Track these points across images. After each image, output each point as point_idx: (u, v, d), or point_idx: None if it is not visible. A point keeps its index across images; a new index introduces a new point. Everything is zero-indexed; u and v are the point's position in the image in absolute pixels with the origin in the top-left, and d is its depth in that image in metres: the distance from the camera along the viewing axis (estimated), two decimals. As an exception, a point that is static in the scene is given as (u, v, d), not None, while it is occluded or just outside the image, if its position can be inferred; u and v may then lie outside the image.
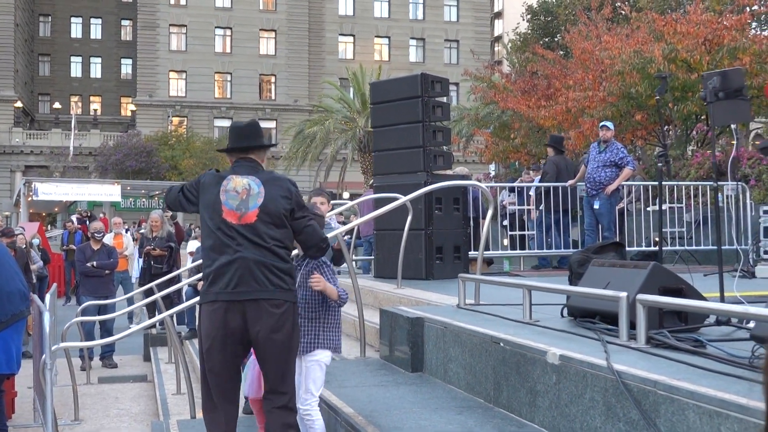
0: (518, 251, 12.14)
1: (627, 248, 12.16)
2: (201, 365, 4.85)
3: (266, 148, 5.10)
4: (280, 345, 4.68)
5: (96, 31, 73.32)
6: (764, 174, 13.19)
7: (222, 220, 4.68)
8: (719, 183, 12.05)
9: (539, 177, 13.60)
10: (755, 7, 22.50)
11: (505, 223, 12.30)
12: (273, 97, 63.45)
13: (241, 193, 4.70)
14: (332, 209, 8.04)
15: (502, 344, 5.07)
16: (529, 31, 44.66)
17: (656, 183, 9.20)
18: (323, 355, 5.16)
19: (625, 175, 11.70)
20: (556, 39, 39.48)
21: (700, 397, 3.36)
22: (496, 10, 79.28)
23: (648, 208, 12.72)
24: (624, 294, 4.65)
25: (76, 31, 72.96)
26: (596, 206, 11.77)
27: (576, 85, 19.72)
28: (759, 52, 16.80)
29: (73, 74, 72.96)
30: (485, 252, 9.88)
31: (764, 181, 12.97)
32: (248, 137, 4.94)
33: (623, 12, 23.89)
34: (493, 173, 26.82)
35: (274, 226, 4.74)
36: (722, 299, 5.82)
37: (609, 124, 12.24)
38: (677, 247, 12.25)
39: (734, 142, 16.85)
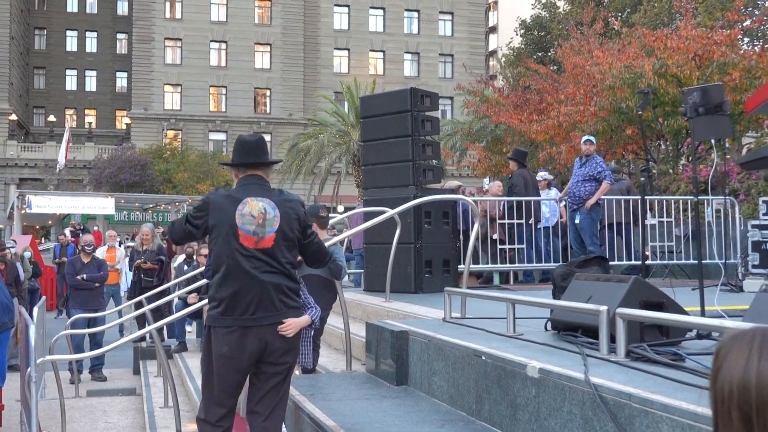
0: (507, 265, 12.17)
1: (617, 262, 12.23)
2: (205, 378, 4.85)
3: (273, 164, 5.13)
4: (289, 366, 4.80)
5: (91, 45, 73.44)
6: (753, 188, 13.26)
7: (239, 244, 4.65)
8: (708, 198, 12.15)
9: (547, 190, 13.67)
10: (746, 23, 22.65)
11: (495, 236, 12.32)
12: (268, 111, 63.53)
13: (257, 217, 4.67)
14: (327, 230, 7.92)
15: (483, 357, 5.09)
16: (523, 46, 44.87)
17: (638, 198, 9.24)
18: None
19: (602, 190, 11.76)
20: (549, 54, 39.68)
21: (673, 410, 3.38)
22: (490, 24, 79.59)
23: (649, 222, 12.76)
24: (604, 308, 4.69)
25: (71, 44, 73.08)
26: (577, 221, 11.83)
27: (567, 100, 19.82)
28: (749, 68, 16.89)
29: (68, 87, 73.04)
30: (473, 266, 9.92)
31: (753, 196, 13.03)
32: (257, 153, 4.89)
33: (615, 27, 24.02)
34: (486, 187, 26.87)
35: (287, 249, 4.78)
36: (703, 313, 5.86)
37: (593, 138, 12.34)
38: (667, 261, 12.31)
39: (728, 157, 16.92)
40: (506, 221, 12.15)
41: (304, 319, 4.84)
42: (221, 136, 61.55)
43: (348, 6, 65.07)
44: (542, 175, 13.97)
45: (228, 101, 62.99)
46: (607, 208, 12.38)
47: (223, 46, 63.05)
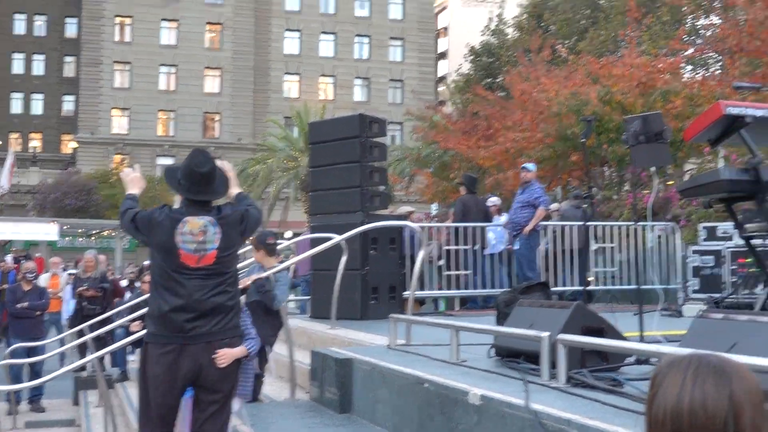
0: (452, 291, 12.19)
1: (561, 288, 12.33)
2: (142, 401, 4.78)
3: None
4: (227, 393, 4.73)
5: (38, 68, 72.32)
6: (693, 214, 13.49)
7: (179, 263, 4.63)
8: (650, 223, 12.35)
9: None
10: (689, 51, 23.13)
11: (441, 262, 12.34)
12: (217, 135, 63.19)
13: (197, 235, 4.66)
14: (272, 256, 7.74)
15: (427, 385, 5.08)
16: (472, 72, 45.24)
17: (581, 224, 9.37)
18: (234, 404, 5.14)
19: (538, 216, 11.89)
20: (497, 80, 40.07)
21: (610, 436, 3.41)
22: (440, 50, 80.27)
23: (592, 248, 12.88)
24: (546, 334, 4.72)
25: (17, 66, 71.87)
26: (516, 247, 11.94)
27: (515, 126, 20.05)
28: (691, 96, 17.25)
29: (13, 111, 71.69)
30: (418, 292, 9.92)
31: (693, 222, 13.26)
32: (208, 188, 4.81)
33: (562, 55, 24.40)
34: (434, 212, 27.02)
35: (229, 265, 4.79)
36: (642, 338, 5.92)
37: (529, 165, 12.50)
38: (610, 287, 12.45)
39: (670, 183, 17.20)
40: (452, 247, 12.18)
41: (240, 350, 4.78)
42: (169, 161, 60.94)
43: (299, 31, 65.20)
44: (493, 200, 14.05)
45: (177, 126, 62.53)
46: (568, 235, 12.50)
47: (173, 70, 62.66)
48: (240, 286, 5.78)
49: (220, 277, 4.69)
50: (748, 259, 9.59)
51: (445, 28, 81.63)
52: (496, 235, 12.81)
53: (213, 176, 4.84)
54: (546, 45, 25.25)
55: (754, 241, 5.86)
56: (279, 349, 8.38)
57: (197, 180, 4.77)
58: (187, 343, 4.58)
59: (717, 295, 9.91)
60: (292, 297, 13.33)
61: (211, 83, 63.31)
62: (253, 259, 7.98)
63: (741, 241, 6.98)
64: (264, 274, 7.18)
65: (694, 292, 11.02)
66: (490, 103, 24.94)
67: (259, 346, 5.22)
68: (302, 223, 38.40)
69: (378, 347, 7.00)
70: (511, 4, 55.75)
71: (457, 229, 12.25)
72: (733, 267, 10.56)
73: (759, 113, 5.38)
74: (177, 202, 4.95)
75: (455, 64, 56.68)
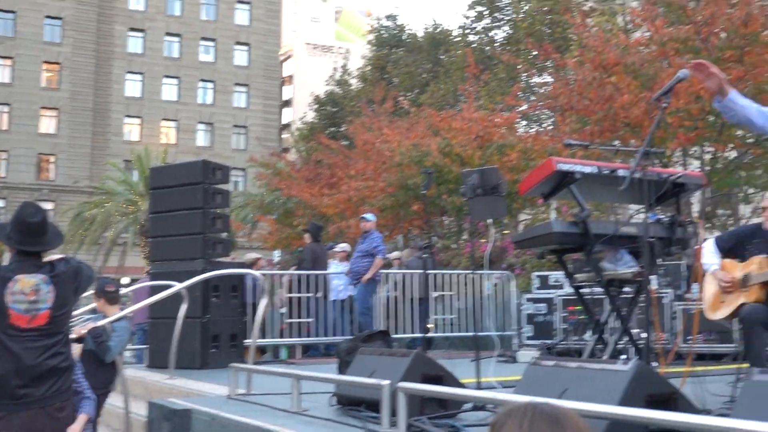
0: (294, 339, 12.18)
1: (402, 335, 12.53)
2: None
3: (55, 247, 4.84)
4: None
5: None
6: (528, 263, 14.04)
7: (8, 325, 4.38)
8: (487, 272, 12.78)
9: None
10: (523, 107, 24.21)
11: (283, 310, 12.32)
12: (52, 178, 60.77)
13: (29, 294, 4.42)
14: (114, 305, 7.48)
15: (267, 435, 5.04)
16: (316, 121, 45.69)
17: (421, 272, 9.58)
18: None
19: (376, 265, 12.15)
20: (341, 129, 40.61)
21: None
22: (285, 98, 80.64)
23: (432, 296, 13.16)
24: (386, 382, 4.79)
25: None
26: (353, 293, 12.17)
27: (358, 175, 20.35)
28: (525, 150, 18.02)
29: None
30: (260, 340, 9.83)
31: (528, 270, 13.80)
32: (39, 239, 4.59)
33: (404, 107, 25.04)
34: (276, 259, 26.90)
35: (62, 325, 4.58)
36: (479, 385, 6.09)
37: (368, 216, 12.76)
38: (449, 334, 12.75)
39: (506, 232, 17.84)
40: (294, 295, 12.19)
41: (82, 420, 4.67)
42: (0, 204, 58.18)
43: (142, 74, 63.90)
44: (342, 246, 14.18)
45: (9, 166, 59.71)
46: (409, 283, 12.73)
47: (6, 108, 59.96)
48: (74, 336, 5.59)
49: (52, 338, 4.49)
50: (578, 307, 10.07)
51: (291, 77, 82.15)
52: (342, 281, 12.93)
53: (45, 227, 4.66)
54: (389, 97, 25.88)
55: (583, 290, 6.15)
56: (114, 400, 8.09)
57: (29, 231, 4.58)
58: (18, 409, 4.36)
59: (549, 342, 10.34)
60: (128, 346, 12.91)
61: (47, 123, 60.96)
62: (92, 305, 7.70)
63: (571, 290, 7.32)
64: (100, 323, 6.94)
65: (528, 338, 11.45)
66: (333, 151, 25.25)
67: (96, 405, 5.07)
68: (141, 268, 37.33)
69: (218, 397, 6.89)
70: (356, 56, 56.99)
71: (300, 276, 12.30)
72: (564, 314, 11.06)
73: (587, 170, 5.69)
74: (6, 259, 4.74)
75: (300, 112, 57.15)
